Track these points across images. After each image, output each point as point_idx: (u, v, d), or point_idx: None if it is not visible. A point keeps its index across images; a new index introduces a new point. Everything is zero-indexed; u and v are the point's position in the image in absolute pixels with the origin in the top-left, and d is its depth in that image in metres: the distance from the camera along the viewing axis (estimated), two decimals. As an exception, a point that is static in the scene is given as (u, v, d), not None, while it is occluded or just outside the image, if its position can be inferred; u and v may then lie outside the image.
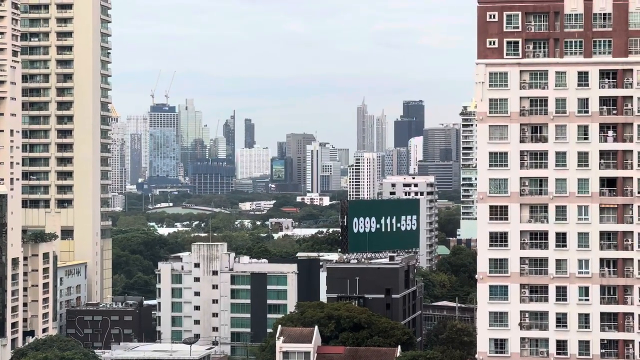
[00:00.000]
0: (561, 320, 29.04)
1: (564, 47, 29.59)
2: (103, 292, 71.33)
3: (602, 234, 28.95)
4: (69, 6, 68.01)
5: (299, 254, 77.79)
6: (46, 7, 67.32)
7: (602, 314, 28.64)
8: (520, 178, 29.73)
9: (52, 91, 66.99)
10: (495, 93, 29.95)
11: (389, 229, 58.93)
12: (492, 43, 29.94)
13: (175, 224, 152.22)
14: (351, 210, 60.96)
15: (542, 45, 30.00)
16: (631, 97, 28.86)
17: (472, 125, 78.53)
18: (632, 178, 28.71)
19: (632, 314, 28.38)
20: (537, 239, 29.75)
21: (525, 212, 29.81)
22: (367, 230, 57.07)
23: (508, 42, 29.89)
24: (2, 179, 54.58)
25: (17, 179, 57.43)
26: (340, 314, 43.10)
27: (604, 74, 29.24)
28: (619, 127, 29.02)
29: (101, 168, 69.11)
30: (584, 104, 29.23)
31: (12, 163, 56.43)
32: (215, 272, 61.20)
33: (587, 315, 28.70)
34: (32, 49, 66.82)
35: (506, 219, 29.63)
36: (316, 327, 38.01)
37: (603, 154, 29.21)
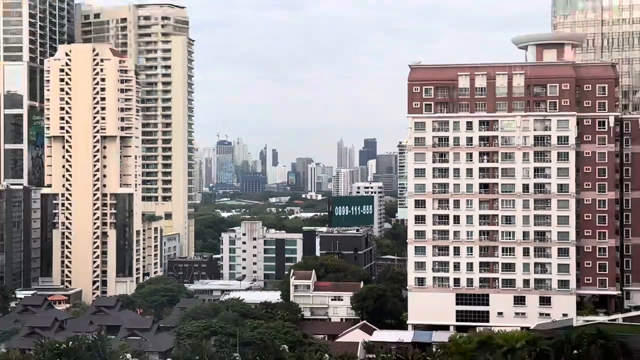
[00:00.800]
0: (457, 266, 49.30)
1: (458, 107, 49.87)
2: (189, 251, 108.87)
3: (480, 216, 48.99)
4: (168, 68, 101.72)
5: (303, 228, 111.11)
6: (155, 69, 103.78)
7: (480, 263, 48.60)
8: (433, 184, 50.57)
9: (159, 132, 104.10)
10: (418, 134, 50.91)
11: (356, 213, 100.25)
12: (416, 104, 50.94)
13: (231, 210, 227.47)
14: (334, 202, 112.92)
15: (445, 106, 50.55)
16: (497, 136, 48.62)
17: (405, 152, 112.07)
18: (497, 183, 48.50)
19: (497, 262, 48.09)
20: (443, 219, 50.35)
21: (435, 204, 50.60)
22: (344, 214, 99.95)
23: (426, 104, 50.66)
24: (130, 184, 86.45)
25: (138, 184, 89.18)
26: (328, 263, 69.71)
27: (482, 122, 49.14)
28: (490, 154, 48.88)
29: (188, 178, 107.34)
30: (470, 140, 49.32)
31: (135, 175, 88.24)
32: (254, 239, 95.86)
33: (471, 264, 48.74)
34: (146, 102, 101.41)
35: (424, 207, 50.68)
36: (313, 270, 60.76)
37: (482, 169, 49.18)
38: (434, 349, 36.28)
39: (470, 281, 48.95)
